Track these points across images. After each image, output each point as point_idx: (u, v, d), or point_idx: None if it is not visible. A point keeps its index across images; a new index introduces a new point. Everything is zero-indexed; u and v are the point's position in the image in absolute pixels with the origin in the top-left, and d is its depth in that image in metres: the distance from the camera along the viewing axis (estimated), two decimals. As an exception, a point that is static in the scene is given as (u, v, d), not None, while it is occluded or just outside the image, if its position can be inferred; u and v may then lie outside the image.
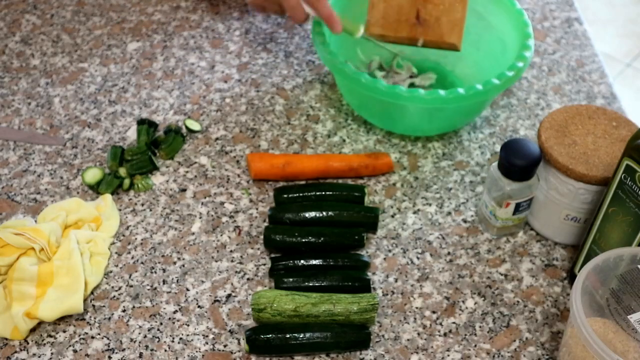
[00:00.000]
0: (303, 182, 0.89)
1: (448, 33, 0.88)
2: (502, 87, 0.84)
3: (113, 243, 0.83)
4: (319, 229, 0.81)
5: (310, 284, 0.76)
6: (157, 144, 0.93)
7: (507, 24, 0.93)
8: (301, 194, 0.85)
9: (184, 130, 0.95)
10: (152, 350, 0.74)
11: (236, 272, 0.80)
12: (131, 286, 0.79)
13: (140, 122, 0.93)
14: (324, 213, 0.82)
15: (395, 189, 0.89)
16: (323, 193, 0.85)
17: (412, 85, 0.99)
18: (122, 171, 0.89)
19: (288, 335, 0.72)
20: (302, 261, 0.79)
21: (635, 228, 0.68)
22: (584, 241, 0.75)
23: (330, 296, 0.74)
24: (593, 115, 0.79)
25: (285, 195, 0.85)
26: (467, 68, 1.00)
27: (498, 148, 0.93)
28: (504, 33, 0.94)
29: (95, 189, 0.88)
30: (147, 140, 0.91)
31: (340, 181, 0.89)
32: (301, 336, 0.72)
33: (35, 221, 0.83)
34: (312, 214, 0.82)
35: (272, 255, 0.81)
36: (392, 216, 0.86)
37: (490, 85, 0.83)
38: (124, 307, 0.77)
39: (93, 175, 0.88)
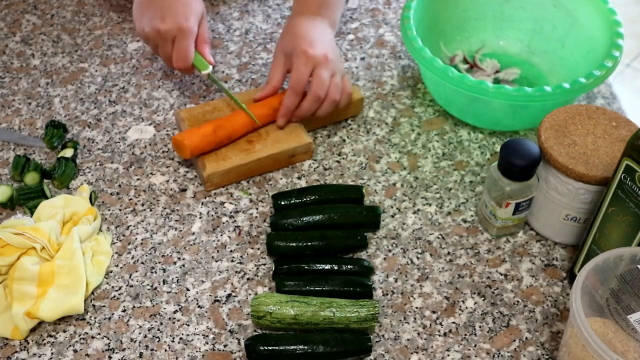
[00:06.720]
0: (300, 187, 0.88)
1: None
2: (590, 86, 0.84)
3: (113, 243, 0.83)
4: (321, 232, 0.81)
5: (312, 288, 0.76)
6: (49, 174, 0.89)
7: (597, 22, 0.93)
8: (300, 200, 0.84)
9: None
10: (152, 350, 0.74)
11: (236, 272, 0.80)
12: (131, 286, 0.79)
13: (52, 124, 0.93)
14: (326, 215, 0.82)
15: (395, 189, 0.89)
16: (322, 196, 0.85)
17: (496, 80, 1.00)
18: (29, 178, 0.87)
19: (287, 347, 0.71)
20: (304, 265, 0.78)
21: (635, 228, 0.68)
22: (584, 241, 0.75)
23: (330, 303, 0.74)
24: (593, 115, 0.79)
25: (284, 202, 0.84)
26: (552, 64, 1.00)
27: (498, 148, 0.93)
28: (591, 31, 0.94)
29: (9, 206, 0.85)
30: (38, 179, 0.88)
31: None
32: (300, 349, 0.71)
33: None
34: (314, 217, 0.82)
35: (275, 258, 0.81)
36: (392, 216, 0.86)
37: (577, 84, 0.83)
38: (124, 307, 0.77)
39: (2, 192, 0.86)
